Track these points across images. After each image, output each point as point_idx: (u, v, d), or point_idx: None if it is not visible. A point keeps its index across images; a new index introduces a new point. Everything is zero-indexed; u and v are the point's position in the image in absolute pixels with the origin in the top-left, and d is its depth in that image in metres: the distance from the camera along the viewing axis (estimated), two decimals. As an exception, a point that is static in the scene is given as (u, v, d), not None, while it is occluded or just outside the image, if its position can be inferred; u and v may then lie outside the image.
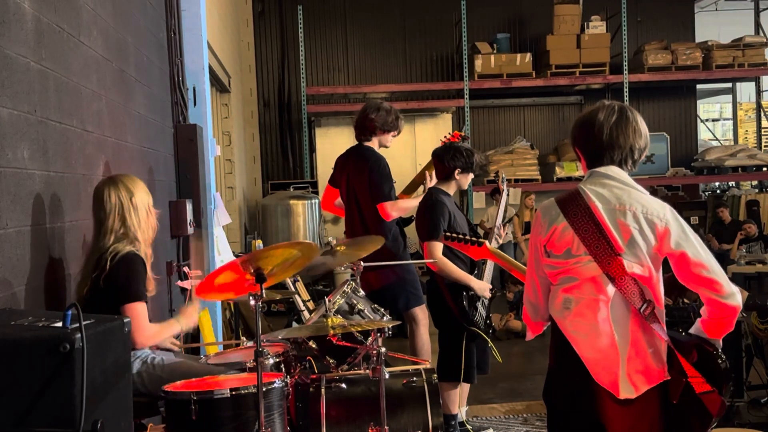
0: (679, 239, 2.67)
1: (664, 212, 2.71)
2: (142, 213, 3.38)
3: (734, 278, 7.40)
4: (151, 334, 3.36)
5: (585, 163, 2.89)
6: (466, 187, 5.13)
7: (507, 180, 5.33)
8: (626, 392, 2.69)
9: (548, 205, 2.89)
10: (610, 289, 2.70)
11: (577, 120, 2.93)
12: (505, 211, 5.15)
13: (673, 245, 2.67)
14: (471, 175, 4.97)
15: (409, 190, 5.60)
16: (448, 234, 3.97)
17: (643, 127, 2.84)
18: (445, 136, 5.57)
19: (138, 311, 3.24)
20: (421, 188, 5.32)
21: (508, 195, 5.24)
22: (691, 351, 2.73)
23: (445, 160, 4.86)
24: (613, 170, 2.80)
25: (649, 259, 2.70)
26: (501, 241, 4.98)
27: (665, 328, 2.71)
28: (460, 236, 3.96)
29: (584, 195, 2.77)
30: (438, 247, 4.66)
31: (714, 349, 2.76)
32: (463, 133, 5.72)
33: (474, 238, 3.92)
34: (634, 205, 2.71)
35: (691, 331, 2.82)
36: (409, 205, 5.21)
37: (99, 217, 3.35)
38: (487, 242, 3.94)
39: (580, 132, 2.87)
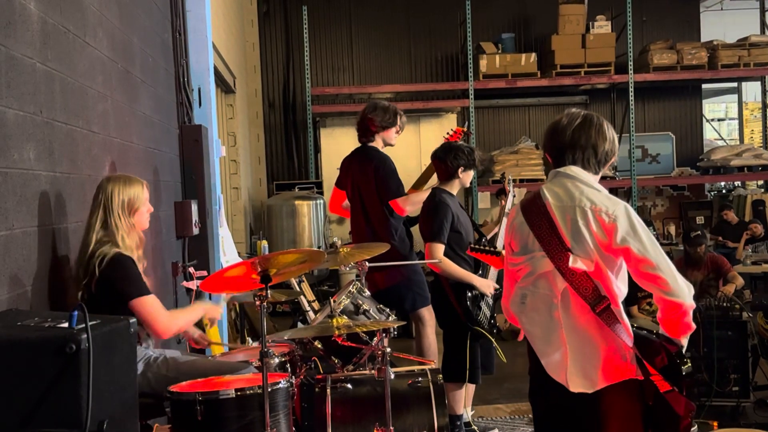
0: (626, 235, 2.70)
1: (614, 209, 2.74)
2: (124, 217, 3.31)
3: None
4: (172, 320, 3.32)
5: (553, 165, 2.97)
6: (468, 185, 5.13)
7: (512, 180, 5.32)
8: (579, 387, 2.72)
9: (515, 207, 3.02)
10: (561, 284, 2.75)
11: (547, 126, 3.03)
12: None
13: (618, 240, 2.71)
14: (472, 172, 4.98)
15: (416, 188, 5.58)
16: (473, 246, 4.03)
17: (609, 132, 2.92)
18: (448, 133, 5.57)
19: (148, 304, 3.22)
20: (431, 180, 5.30)
21: (514, 196, 5.23)
22: (659, 351, 2.76)
23: (448, 160, 4.85)
24: (572, 169, 2.87)
25: (598, 255, 2.73)
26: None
27: (628, 326, 2.73)
28: (484, 248, 4.01)
29: (542, 194, 2.86)
30: (440, 248, 4.66)
31: (675, 348, 2.78)
32: (465, 129, 5.72)
33: (494, 249, 3.98)
34: (583, 201, 2.77)
35: (660, 330, 2.86)
36: (422, 197, 5.15)
37: (90, 211, 3.35)
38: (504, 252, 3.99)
39: (547, 136, 2.98)
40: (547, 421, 2.91)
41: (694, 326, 2.78)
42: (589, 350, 2.72)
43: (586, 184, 2.82)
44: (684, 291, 2.70)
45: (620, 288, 2.78)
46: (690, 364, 2.80)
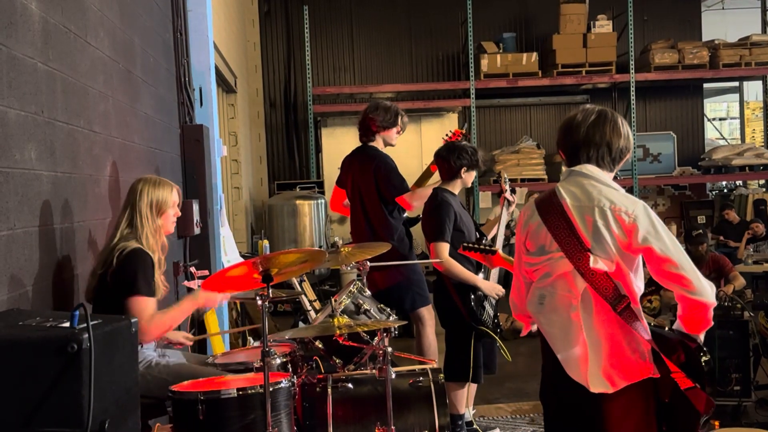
0: (647, 234, 2.69)
1: (633, 208, 2.72)
2: (150, 217, 3.37)
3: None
4: (160, 323, 3.29)
5: (566, 163, 2.94)
6: (470, 185, 5.13)
7: (511, 180, 5.29)
8: (599, 387, 2.71)
9: (528, 205, 2.98)
10: (581, 284, 2.73)
11: (561, 122, 2.98)
12: (512, 214, 5.14)
13: (639, 240, 2.69)
14: (475, 173, 4.98)
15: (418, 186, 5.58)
16: (465, 245, 4.01)
17: (624, 129, 2.87)
18: (447, 134, 5.57)
19: (144, 304, 3.22)
20: (433, 178, 5.29)
21: (514, 193, 5.20)
22: (676, 348, 2.75)
23: (452, 159, 4.85)
24: (588, 168, 2.84)
25: (618, 255, 2.71)
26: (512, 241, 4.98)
27: (646, 324, 2.73)
28: (476, 246, 4.00)
29: (558, 193, 2.83)
30: (444, 247, 4.65)
31: (695, 344, 2.78)
32: (464, 131, 5.72)
33: (487, 247, 3.95)
34: (602, 201, 2.74)
35: (674, 327, 2.85)
36: (428, 192, 5.13)
37: (120, 211, 3.41)
38: (499, 250, 3.97)
39: (561, 133, 2.94)
40: (560, 420, 2.90)
41: (712, 322, 2.76)
42: (610, 350, 2.71)
43: (603, 183, 2.79)
44: (707, 290, 2.68)
45: (639, 286, 2.77)
46: (709, 358, 2.79)
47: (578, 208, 2.76)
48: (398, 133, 5.44)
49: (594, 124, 2.83)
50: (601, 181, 2.80)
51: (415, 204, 5.19)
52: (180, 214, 3.58)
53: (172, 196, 3.48)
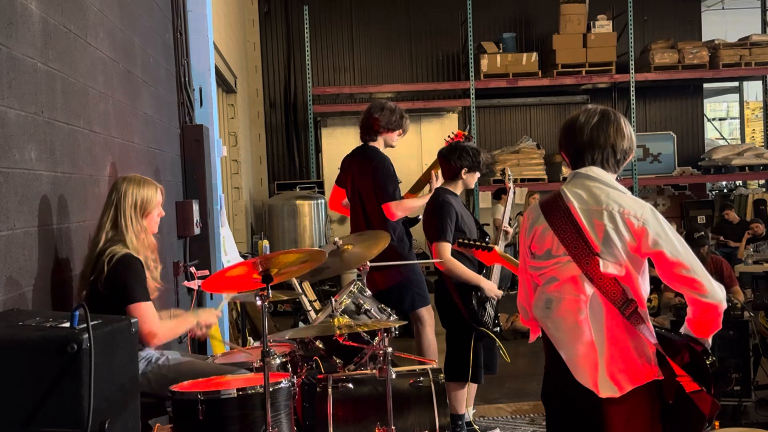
0: (657, 238, 2.66)
1: (642, 211, 2.69)
2: (135, 219, 3.33)
3: (741, 277, 7.39)
4: (163, 330, 3.33)
5: (570, 166, 2.90)
6: (472, 187, 5.12)
7: (513, 180, 5.32)
8: (607, 391, 2.68)
9: (533, 207, 2.94)
10: (589, 288, 2.70)
11: (562, 124, 2.95)
12: (512, 209, 5.15)
13: (650, 244, 2.66)
14: (477, 175, 4.95)
15: (415, 190, 5.59)
16: (461, 241, 4.00)
17: (627, 129, 2.84)
18: (449, 136, 5.57)
19: (143, 311, 3.21)
20: (426, 188, 5.31)
21: (514, 193, 5.22)
22: (681, 351, 2.73)
23: (452, 159, 4.85)
24: (593, 171, 2.80)
25: (628, 259, 2.68)
26: (509, 239, 4.97)
27: (651, 328, 2.71)
28: (473, 243, 3.99)
29: (564, 196, 2.79)
30: (446, 247, 4.65)
31: (701, 347, 2.76)
32: (466, 133, 5.71)
33: (485, 244, 3.95)
34: (610, 205, 2.71)
35: (681, 330, 2.82)
36: (414, 204, 5.20)
37: (102, 210, 3.37)
38: (497, 247, 3.96)
39: (563, 134, 2.90)
40: (562, 422, 2.88)
41: (721, 326, 2.74)
42: (617, 354, 2.69)
43: (610, 186, 2.76)
44: (718, 292, 2.67)
45: (645, 290, 2.75)
46: (714, 359, 2.77)
47: (586, 212, 2.73)
48: (399, 135, 5.45)
49: (597, 125, 2.80)
50: (607, 184, 2.76)
51: (399, 214, 5.18)
52: (164, 213, 3.55)
53: (156, 196, 3.43)
